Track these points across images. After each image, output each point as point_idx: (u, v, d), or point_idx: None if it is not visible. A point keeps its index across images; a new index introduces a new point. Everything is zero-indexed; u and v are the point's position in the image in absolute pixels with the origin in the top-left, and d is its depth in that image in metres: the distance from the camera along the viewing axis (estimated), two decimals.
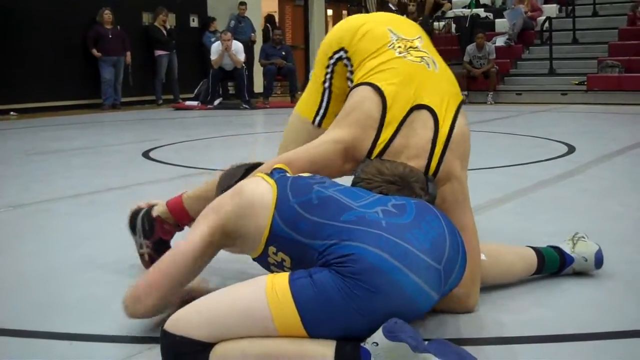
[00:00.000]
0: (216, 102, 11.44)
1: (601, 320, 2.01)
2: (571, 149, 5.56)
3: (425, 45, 2.27)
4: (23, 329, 2.02)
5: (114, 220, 3.40)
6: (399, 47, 2.21)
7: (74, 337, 1.94)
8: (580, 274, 2.34)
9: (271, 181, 1.85)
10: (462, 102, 2.20)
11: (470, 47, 11.70)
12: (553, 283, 2.30)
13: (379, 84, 2.11)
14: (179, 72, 12.21)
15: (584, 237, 2.36)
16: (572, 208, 3.51)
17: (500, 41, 12.57)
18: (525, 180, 4.21)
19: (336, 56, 2.30)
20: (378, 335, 1.55)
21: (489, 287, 2.20)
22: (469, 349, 1.64)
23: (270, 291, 1.61)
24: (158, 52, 11.94)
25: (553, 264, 2.31)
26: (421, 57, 2.20)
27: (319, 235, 1.68)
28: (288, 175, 1.91)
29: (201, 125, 9.02)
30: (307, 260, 1.69)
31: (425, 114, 2.09)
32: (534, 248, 2.31)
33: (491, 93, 11.46)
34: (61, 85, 10.96)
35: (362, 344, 1.57)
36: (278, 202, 1.77)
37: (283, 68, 11.97)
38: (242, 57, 11.44)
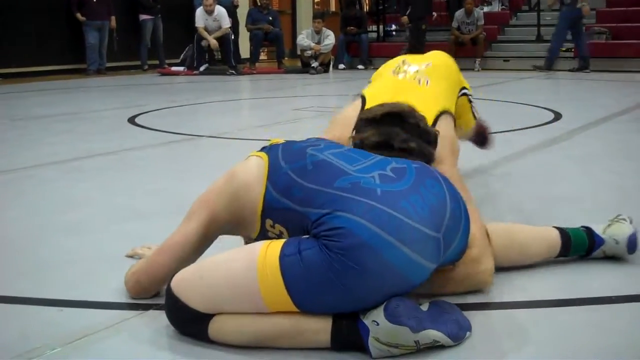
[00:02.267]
0: (202, 67, 11.34)
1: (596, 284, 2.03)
2: (557, 116, 5.57)
3: (432, 69, 2.51)
4: (11, 295, 2.01)
5: (100, 186, 3.39)
6: (399, 70, 2.52)
7: (64, 303, 1.94)
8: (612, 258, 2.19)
9: (261, 154, 1.82)
10: (447, 113, 2.34)
11: (459, 13, 11.64)
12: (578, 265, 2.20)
13: (362, 91, 2.47)
14: (164, 37, 12.08)
15: (624, 219, 2.20)
16: (558, 174, 3.53)
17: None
18: (511, 147, 4.22)
19: None
20: (379, 316, 1.53)
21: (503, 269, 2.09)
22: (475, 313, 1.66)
23: (261, 268, 1.57)
24: (143, 17, 11.81)
25: (581, 246, 2.16)
26: (415, 77, 2.46)
27: (312, 203, 1.63)
28: (279, 143, 1.86)
29: (187, 91, 8.96)
30: (302, 229, 1.64)
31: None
32: (559, 229, 2.18)
33: (479, 59, 11.44)
34: (45, 50, 10.85)
35: (360, 317, 1.56)
36: (270, 171, 1.74)
37: (270, 33, 11.87)
38: (226, 22, 11.31)
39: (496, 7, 13.47)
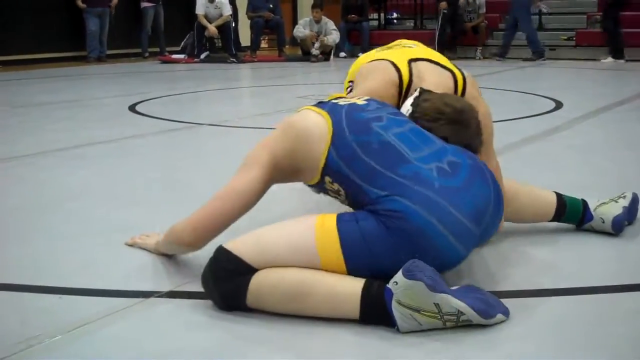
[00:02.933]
0: (203, 55, 11.32)
1: (584, 274, 2.04)
2: (558, 105, 5.56)
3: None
4: (11, 282, 2.02)
5: (101, 173, 3.40)
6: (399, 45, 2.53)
7: (63, 290, 1.94)
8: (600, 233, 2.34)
9: (323, 113, 1.87)
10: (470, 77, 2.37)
11: (461, 2, 11.59)
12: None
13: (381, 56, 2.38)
14: (165, 24, 12.05)
15: (623, 197, 2.37)
16: (559, 163, 3.53)
17: None
18: (512, 135, 4.21)
19: None
20: (398, 275, 1.60)
21: (504, 237, 2.27)
22: None
23: (319, 228, 1.69)
24: (144, 4, 11.77)
25: (574, 216, 2.33)
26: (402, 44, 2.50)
27: (374, 183, 1.72)
28: (340, 103, 1.92)
29: (188, 79, 8.95)
30: (358, 198, 1.76)
31: (449, 74, 2.30)
32: (558, 194, 2.34)
33: (480, 48, 11.40)
34: (45, 37, 10.82)
35: (387, 285, 1.63)
36: (334, 135, 1.81)
37: (271, 21, 11.83)
38: (227, 10, 11.28)
39: None
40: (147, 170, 3.47)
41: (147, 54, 11.94)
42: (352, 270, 1.68)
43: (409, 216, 1.65)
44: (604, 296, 1.91)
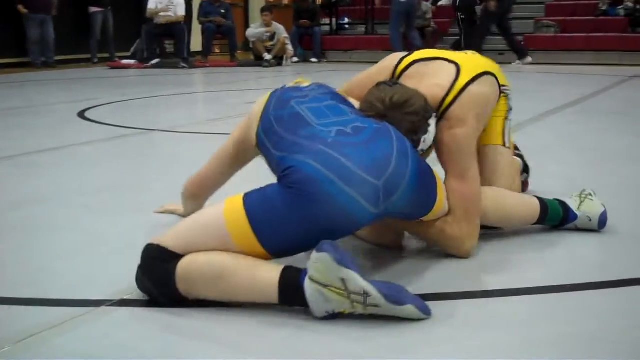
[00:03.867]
0: (153, 61, 11.21)
1: (532, 275, 2.07)
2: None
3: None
4: None
5: (52, 181, 3.34)
6: None
7: (13, 301, 1.90)
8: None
9: (269, 93, 2.09)
10: (491, 75, 2.36)
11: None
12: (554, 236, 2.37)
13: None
14: (115, 29, 11.90)
15: (591, 195, 2.41)
16: None
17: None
18: None
19: None
20: (313, 252, 1.67)
21: (490, 237, 2.31)
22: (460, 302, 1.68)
23: (228, 207, 1.78)
24: (92, 9, 11.61)
25: (555, 217, 2.36)
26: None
27: (278, 147, 1.87)
28: (285, 86, 2.12)
29: (138, 85, 8.86)
30: (274, 167, 1.90)
31: (446, 63, 2.30)
32: (539, 198, 2.37)
33: None
34: None
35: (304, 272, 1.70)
36: (263, 113, 2.01)
37: (222, 26, 11.79)
38: (181, 10, 11.22)
39: (448, 1, 13.54)
40: (99, 177, 3.42)
41: (96, 60, 11.78)
42: (268, 246, 1.75)
43: (299, 167, 1.75)
44: (565, 295, 1.94)
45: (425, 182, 1.94)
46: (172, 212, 2.58)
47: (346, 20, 13.97)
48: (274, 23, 11.47)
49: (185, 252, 1.77)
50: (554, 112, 5.49)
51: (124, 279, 1.98)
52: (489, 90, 2.33)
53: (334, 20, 13.53)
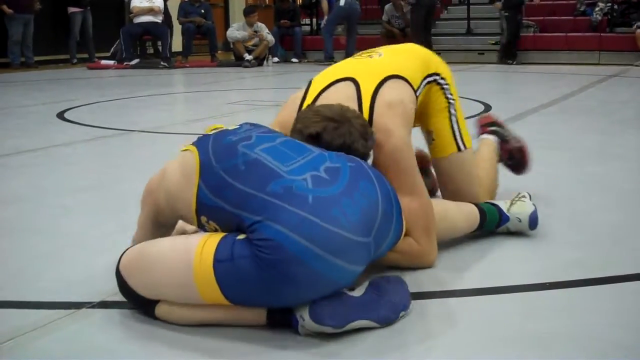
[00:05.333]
0: (133, 62, 11.16)
1: (512, 273, 2.09)
2: (487, 108, 5.68)
3: (391, 48, 2.44)
4: None
5: (29, 183, 3.31)
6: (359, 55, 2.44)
7: None
8: (517, 233, 2.37)
9: (192, 147, 1.78)
10: (397, 78, 2.20)
11: (388, 7, 11.75)
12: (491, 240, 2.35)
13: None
14: (94, 30, 11.82)
15: (524, 197, 2.39)
16: None
17: None
18: None
19: None
20: (305, 313, 1.61)
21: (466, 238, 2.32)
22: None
23: (197, 270, 1.61)
24: (71, 10, 11.50)
25: (493, 221, 2.33)
26: (370, 54, 2.36)
27: (246, 207, 1.62)
28: (209, 134, 1.83)
29: (118, 85, 8.81)
30: (237, 228, 1.65)
31: (346, 83, 2.18)
32: (476, 205, 2.33)
33: None
34: None
35: (293, 311, 1.64)
36: (201, 169, 1.71)
37: (202, 26, 11.76)
38: (159, 2, 11.27)
39: None
40: (78, 178, 3.40)
41: (75, 60, 11.69)
42: (237, 303, 1.65)
43: (281, 244, 1.54)
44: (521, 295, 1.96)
45: (401, 215, 1.84)
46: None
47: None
48: (257, 23, 11.45)
49: (157, 299, 1.72)
50: (533, 112, 5.52)
51: (103, 280, 1.97)
52: (396, 93, 2.16)
53: (314, 20, 13.52)
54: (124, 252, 1.80)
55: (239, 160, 1.69)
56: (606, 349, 1.60)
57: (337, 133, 1.88)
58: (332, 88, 2.19)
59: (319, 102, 2.12)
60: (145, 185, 1.92)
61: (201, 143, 1.79)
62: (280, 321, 1.66)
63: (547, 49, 10.90)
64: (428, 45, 10.45)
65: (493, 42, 11.43)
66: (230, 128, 1.84)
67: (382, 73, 2.19)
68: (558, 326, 1.71)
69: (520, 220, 2.34)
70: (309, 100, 2.19)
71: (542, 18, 11.49)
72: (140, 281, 1.72)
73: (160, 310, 1.72)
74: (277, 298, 1.61)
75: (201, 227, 1.76)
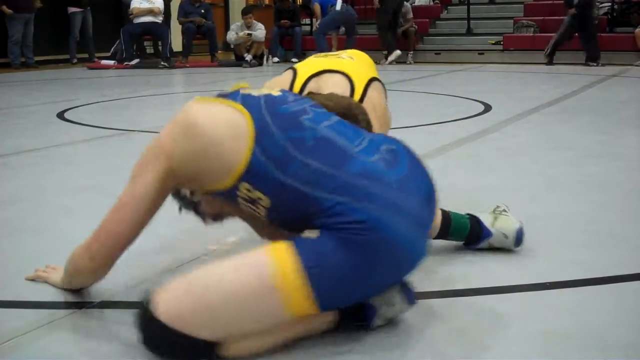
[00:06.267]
0: (133, 61, 11.16)
1: (512, 273, 2.09)
2: (487, 108, 5.68)
3: (351, 52, 2.49)
4: None
5: (30, 183, 3.31)
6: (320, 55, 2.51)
7: None
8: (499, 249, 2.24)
9: (236, 105, 1.61)
10: (377, 81, 2.30)
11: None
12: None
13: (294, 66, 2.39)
14: (94, 30, 11.83)
15: (505, 211, 2.26)
16: (488, 165, 3.61)
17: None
18: (443, 138, 4.29)
19: None
20: (396, 299, 1.63)
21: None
22: None
23: (282, 284, 1.45)
24: (71, 9, 11.52)
25: (461, 232, 2.19)
26: (338, 55, 2.43)
27: (322, 186, 1.50)
28: (254, 94, 1.67)
29: (118, 85, 8.81)
30: (296, 206, 1.52)
31: (339, 76, 2.22)
32: (443, 211, 2.19)
33: (411, 53, 11.56)
34: None
35: (369, 301, 1.62)
36: (258, 132, 1.55)
37: (202, 26, 11.76)
38: (159, 2, 11.27)
39: (427, 0, 13.62)
40: (78, 178, 3.40)
41: (75, 60, 11.70)
42: (328, 308, 1.54)
43: (375, 226, 1.47)
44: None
45: None
46: (46, 280, 1.98)
47: None
48: (255, 22, 11.44)
49: (218, 335, 1.48)
50: (534, 112, 5.52)
51: (103, 280, 1.97)
52: (380, 95, 2.30)
53: (314, 20, 13.52)
54: (150, 296, 1.51)
55: (306, 134, 1.57)
56: (606, 349, 1.60)
57: None
58: (325, 76, 2.23)
59: (310, 87, 2.19)
60: (153, 142, 1.67)
61: (250, 105, 1.61)
62: (353, 318, 1.63)
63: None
64: (390, 46, 10.90)
65: (493, 42, 11.44)
66: (273, 93, 1.69)
67: (367, 74, 2.27)
68: (558, 326, 1.71)
69: (506, 237, 2.20)
70: (298, 83, 2.24)
71: (542, 18, 11.49)
72: (203, 322, 1.46)
73: (231, 349, 1.50)
74: (370, 286, 1.55)
75: (229, 193, 1.59)
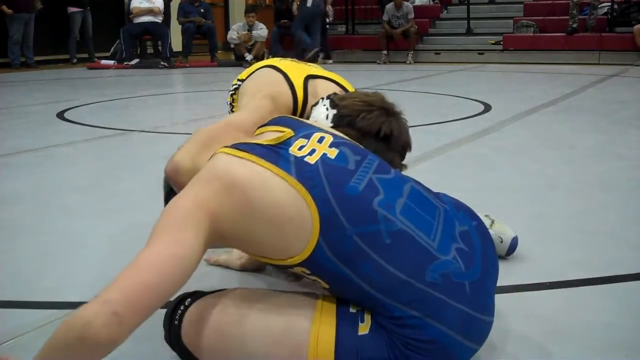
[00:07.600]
0: (133, 61, 11.17)
1: (512, 273, 2.09)
2: (487, 108, 5.68)
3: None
4: None
5: (29, 183, 3.31)
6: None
7: None
8: None
9: (290, 179, 1.36)
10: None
11: (389, 7, 11.74)
12: None
13: (270, 62, 2.19)
14: (94, 29, 11.83)
15: (494, 221, 2.22)
16: (488, 165, 3.61)
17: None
18: (443, 138, 4.29)
19: None
20: None
21: None
22: None
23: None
24: (71, 9, 11.53)
25: None
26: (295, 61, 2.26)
27: (397, 296, 1.32)
28: (308, 161, 1.40)
29: (118, 85, 8.81)
30: (359, 299, 1.36)
31: (331, 83, 2.14)
32: None
33: (411, 53, 11.56)
34: None
35: None
36: (323, 224, 1.33)
37: (202, 26, 11.76)
38: (159, 2, 11.29)
39: (427, 0, 13.62)
40: (79, 179, 3.40)
41: (75, 60, 11.70)
42: None
43: (445, 346, 1.32)
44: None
45: None
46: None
47: (326, 20, 13.97)
48: (257, 22, 11.45)
49: None
50: (534, 112, 5.52)
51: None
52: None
53: None
54: (182, 307, 1.47)
55: (381, 227, 1.35)
56: (606, 349, 1.60)
57: (404, 131, 1.80)
58: (319, 80, 2.12)
59: (309, 90, 2.06)
60: (182, 199, 1.36)
61: (308, 179, 1.37)
62: None
63: (547, 49, 10.90)
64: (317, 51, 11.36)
65: (493, 41, 11.44)
66: (329, 155, 1.42)
67: (347, 85, 2.17)
68: (558, 326, 1.71)
69: (502, 241, 2.17)
70: (298, 84, 2.07)
71: (542, 18, 11.49)
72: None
73: None
74: None
75: (281, 268, 1.49)
